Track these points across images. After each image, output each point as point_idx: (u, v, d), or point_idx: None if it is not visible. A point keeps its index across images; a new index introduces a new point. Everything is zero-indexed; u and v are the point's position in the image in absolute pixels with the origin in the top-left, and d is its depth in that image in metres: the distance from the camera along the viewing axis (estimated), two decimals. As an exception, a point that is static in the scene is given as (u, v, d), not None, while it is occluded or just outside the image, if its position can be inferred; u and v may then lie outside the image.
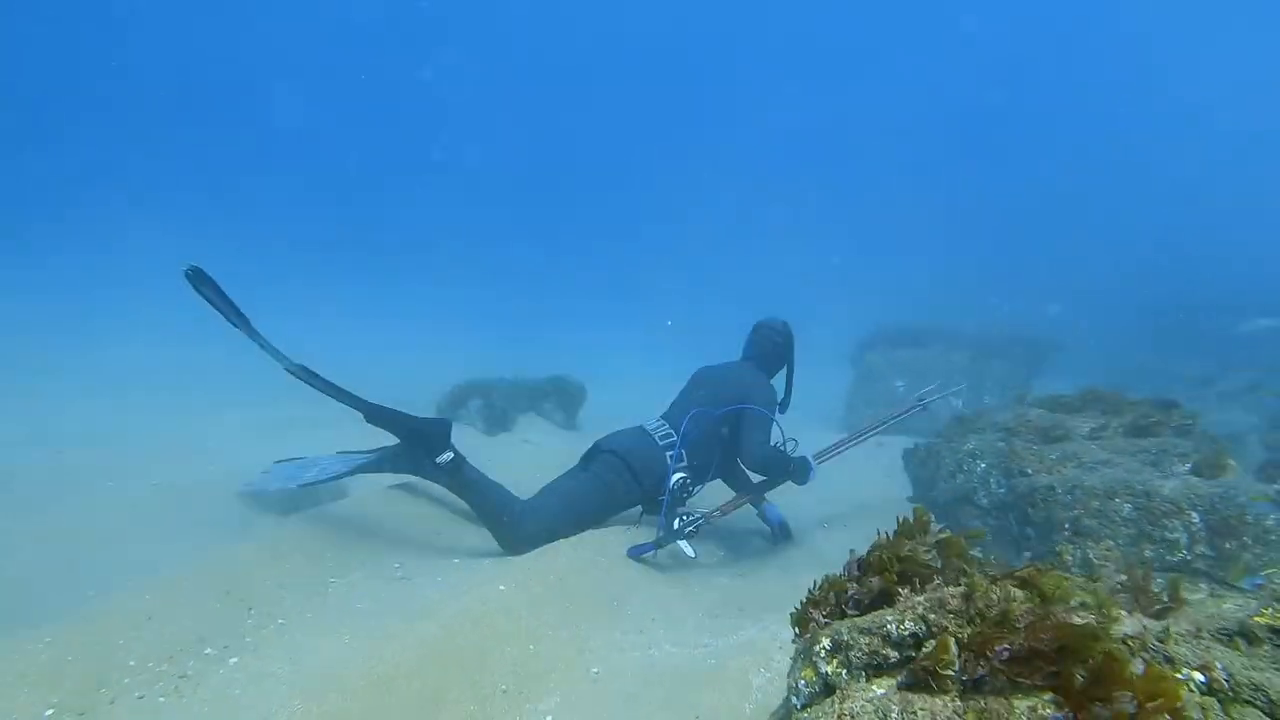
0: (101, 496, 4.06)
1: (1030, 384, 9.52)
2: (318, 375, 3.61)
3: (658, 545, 3.73)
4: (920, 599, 1.46)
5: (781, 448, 4.18)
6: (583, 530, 3.88)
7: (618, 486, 4.02)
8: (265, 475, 4.13)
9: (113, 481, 4.24)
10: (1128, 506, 2.98)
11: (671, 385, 4.86)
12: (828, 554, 4.13)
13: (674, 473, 4.02)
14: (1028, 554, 3.38)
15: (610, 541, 3.68)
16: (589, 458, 4.25)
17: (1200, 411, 5.50)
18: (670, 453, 4.11)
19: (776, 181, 36.08)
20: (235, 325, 3.53)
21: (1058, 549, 3.04)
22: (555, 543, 3.56)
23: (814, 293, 20.75)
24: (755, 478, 4.42)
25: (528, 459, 5.83)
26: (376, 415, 3.74)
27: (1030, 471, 3.50)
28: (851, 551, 1.83)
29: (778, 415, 4.35)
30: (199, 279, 3.41)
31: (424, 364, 11.83)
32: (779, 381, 4.77)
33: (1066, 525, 3.07)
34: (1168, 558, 2.91)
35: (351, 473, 3.90)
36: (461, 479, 3.86)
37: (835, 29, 38.20)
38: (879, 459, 7.13)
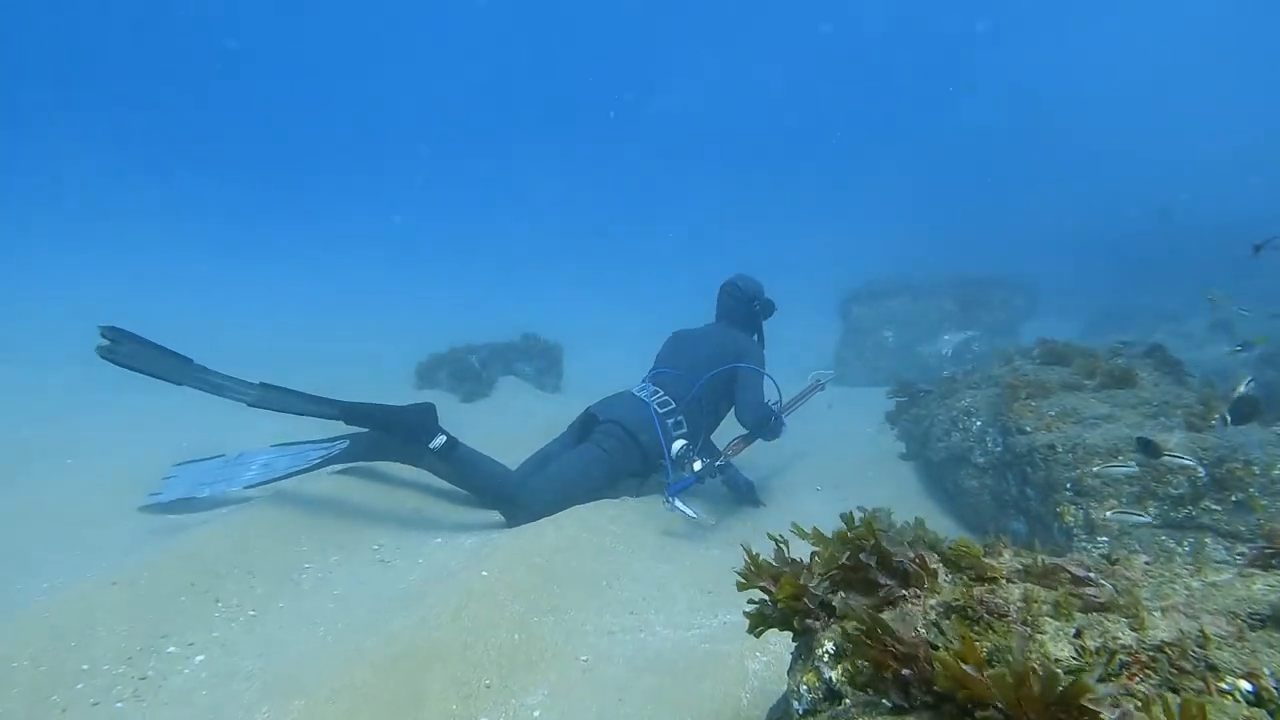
0: (60, 477, 3.88)
1: (1019, 328, 9.46)
2: (280, 391, 3.45)
3: (698, 479, 3.88)
4: (933, 602, 1.32)
5: (774, 406, 4.29)
6: (589, 499, 3.84)
7: (619, 455, 3.98)
8: (168, 481, 3.83)
9: (73, 459, 4.05)
10: (1131, 463, 2.87)
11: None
12: (821, 519, 4.01)
13: (675, 440, 4.07)
14: (1018, 525, 3.29)
15: (598, 516, 3.54)
16: (586, 427, 4.22)
17: (1187, 349, 5.45)
18: (671, 420, 4.13)
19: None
20: (177, 380, 3.36)
21: (1059, 509, 2.94)
22: (540, 521, 3.42)
23: (798, 247, 20.71)
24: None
25: (513, 425, 5.69)
26: (356, 415, 3.58)
27: (1029, 429, 3.38)
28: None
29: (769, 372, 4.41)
30: (117, 340, 3.22)
31: (387, 328, 11.67)
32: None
33: (1068, 485, 2.96)
34: (1172, 514, 2.82)
35: (313, 467, 3.74)
36: (456, 461, 3.75)
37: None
38: (867, 413, 7.05)
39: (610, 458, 3.95)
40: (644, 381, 4.43)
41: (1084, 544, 2.79)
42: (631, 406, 4.15)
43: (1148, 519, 2.72)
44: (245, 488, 3.65)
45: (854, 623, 1.27)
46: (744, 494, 4.36)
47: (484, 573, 2.82)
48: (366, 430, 3.81)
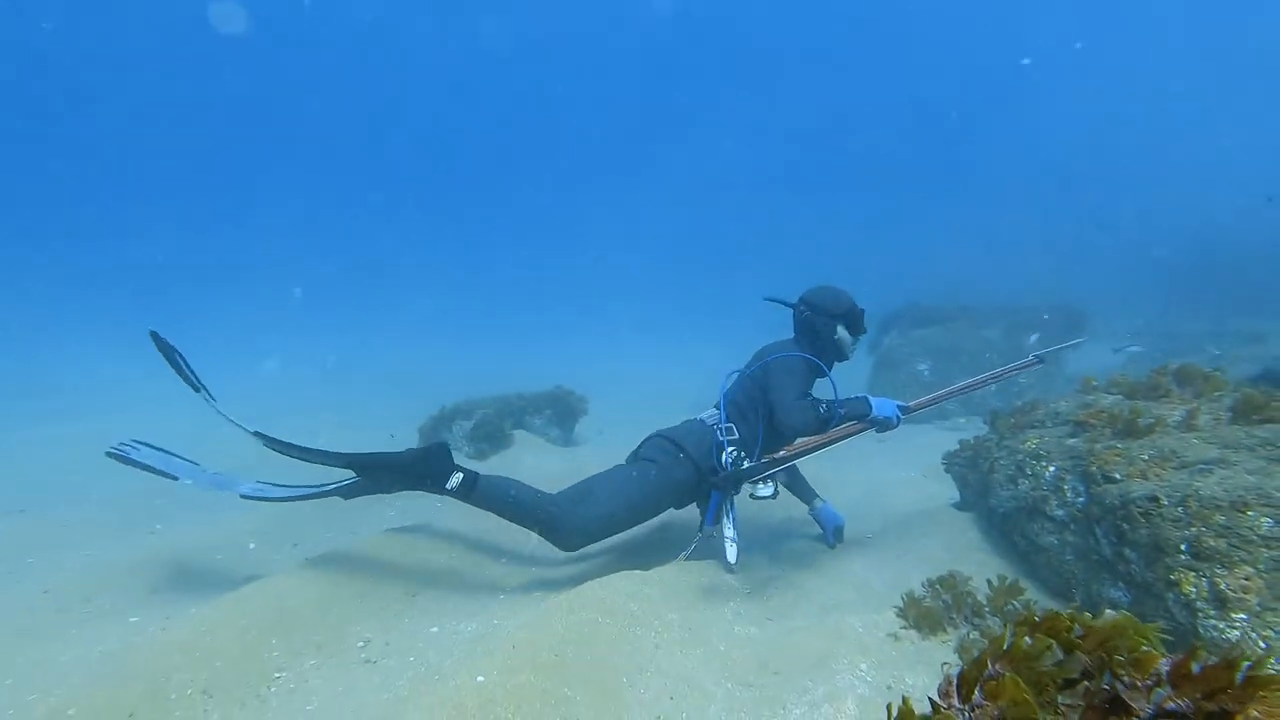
0: (13, 581, 3.50)
1: (1064, 358, 8.84)
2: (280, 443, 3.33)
3: (724, 495, 3.64)
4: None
5: (823, 404, 3.66)
6: (639, 519, 3.71)
7: (668, 464, 3.71)
8: (139, 449, 3.53)
9: (33, 558, 3.68)
10: (1267, 520, 2.32)
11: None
12: (874, 586, 3.50)
13: (726, 445, 3.72)
14: (1116, 593, 2.74)
15: (615, 594, 3.06)
16: (636, 452, 4.00)
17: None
18: (719, 427, 3.82)
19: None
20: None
21: (1173, 577, 2.41)
22: (550, 605, 2.94)
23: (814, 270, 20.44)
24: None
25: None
26: (364, 467, 3.37)
27: (1119, 476, 2.85)
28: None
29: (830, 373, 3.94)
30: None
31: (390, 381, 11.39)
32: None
33: (1183, 547, 2.43)
34: (1321, 582, 2.27)
35: (324, 494, 3.50)
36: (479, 497, 3.48)
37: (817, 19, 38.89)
38: (908, 454, 6.52)
39: (659, 466, 3.69)
40: (710, 409, 4.11)
41: (1213, 622, 2.25)
42: (681, 425, 3.97)
43: None
44: (242, 497, 3.44)
45: None
46: (828, 533, 4.21)
47: (480, 678, 2.36)
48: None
